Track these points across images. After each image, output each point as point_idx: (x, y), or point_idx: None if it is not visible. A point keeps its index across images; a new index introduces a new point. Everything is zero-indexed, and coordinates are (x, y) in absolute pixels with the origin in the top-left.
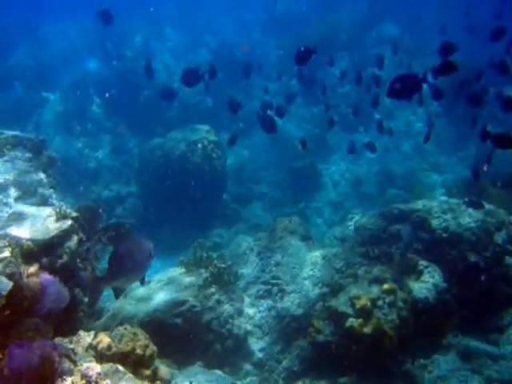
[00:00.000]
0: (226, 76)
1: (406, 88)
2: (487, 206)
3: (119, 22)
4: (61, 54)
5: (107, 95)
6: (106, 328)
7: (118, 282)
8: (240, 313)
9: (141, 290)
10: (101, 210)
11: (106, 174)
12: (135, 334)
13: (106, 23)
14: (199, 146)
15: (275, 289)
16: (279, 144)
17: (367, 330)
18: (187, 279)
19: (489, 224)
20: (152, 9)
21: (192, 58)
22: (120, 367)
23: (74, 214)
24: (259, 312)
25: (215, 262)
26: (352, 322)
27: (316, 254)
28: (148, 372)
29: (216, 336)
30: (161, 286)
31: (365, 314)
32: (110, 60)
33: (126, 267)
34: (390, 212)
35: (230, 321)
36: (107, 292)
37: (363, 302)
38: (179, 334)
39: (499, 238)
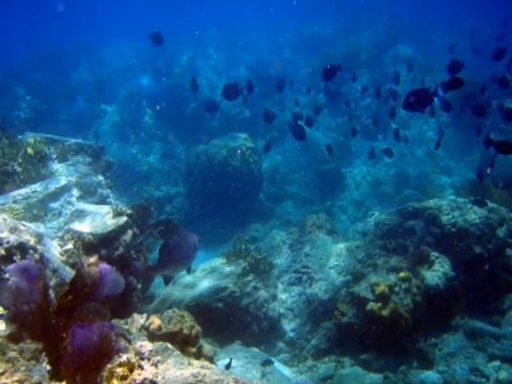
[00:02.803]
0: (261, 90)
1: (419, 101)
2: (490, 205)
3: (168, 43)
4: (117, 71)
5: (158, 107)
6: (156, 311)
7: (167, 270)
8: (274, 298)
9: (187, 278)
10: (152, 208)
11: (157, 177)
12: (182, 317)
13: (157, 44)
14: (238, 151)
15: (305, 277)
16: (308, 150)
17: (385, 312)
18: (228, 268)
19: (492, 220)
20: (197, 32)
21: (232, 75)
22: (169, 345)
23: (129, 211)
24: (291, 297)
25: (252, 253)
26: (372, 305)
27: (340, 247)
28: (194, 349)
29: (253, 318)
30: (204, 275)
31: (383, 298)
32: (160, 76)
33: (175, 258)
34: (406, 209)
35: (266, 305)
36: (158, 280)
37: (382, 288)
38: (221, 317)
39: (501, 232)
